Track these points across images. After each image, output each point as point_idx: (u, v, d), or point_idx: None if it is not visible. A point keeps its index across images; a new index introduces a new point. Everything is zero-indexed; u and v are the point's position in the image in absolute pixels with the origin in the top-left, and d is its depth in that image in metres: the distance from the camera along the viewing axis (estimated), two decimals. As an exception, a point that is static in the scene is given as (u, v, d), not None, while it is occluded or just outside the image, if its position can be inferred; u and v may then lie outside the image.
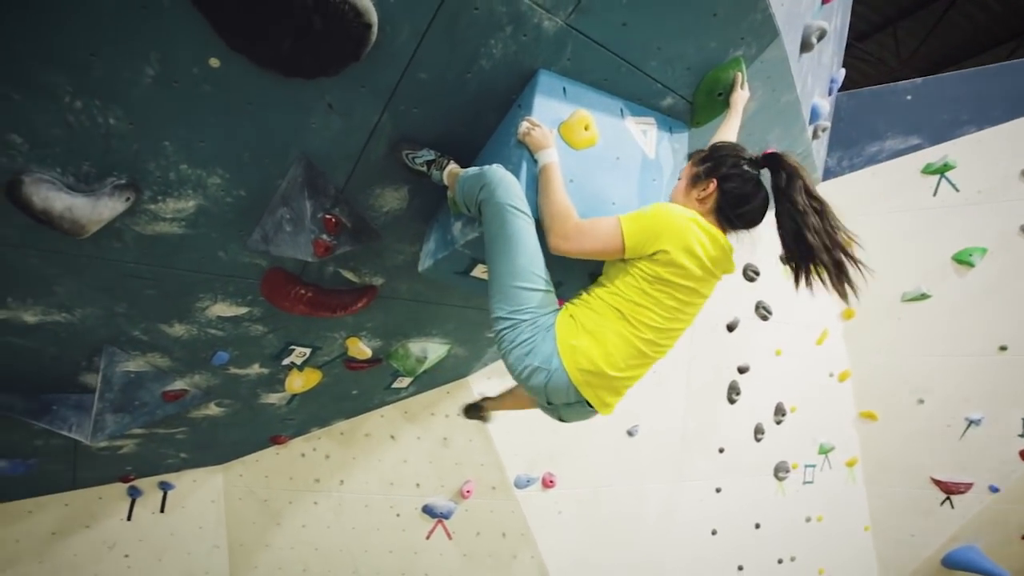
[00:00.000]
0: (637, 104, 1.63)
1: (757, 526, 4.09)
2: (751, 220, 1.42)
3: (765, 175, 1.43)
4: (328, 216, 1.58)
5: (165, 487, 3.03)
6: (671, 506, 3.79)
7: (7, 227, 1.40)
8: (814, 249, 1.33)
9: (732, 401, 3.97)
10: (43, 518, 2.80)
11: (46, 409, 1.97)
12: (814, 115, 2.70)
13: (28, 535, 2.77)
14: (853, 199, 4.23)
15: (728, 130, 1.66)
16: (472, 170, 1.39)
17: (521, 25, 1.33)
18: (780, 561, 4.19)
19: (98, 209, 1.35)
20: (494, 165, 1.34)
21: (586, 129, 1.46)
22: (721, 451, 3.95)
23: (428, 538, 3.26)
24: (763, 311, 4.07)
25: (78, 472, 2.67)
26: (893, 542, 4.43)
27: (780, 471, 4.17)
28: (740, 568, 4.02)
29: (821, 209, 1.34)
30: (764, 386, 4.11)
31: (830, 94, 3.20)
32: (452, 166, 1.50)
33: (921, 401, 4.25)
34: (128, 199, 1.40)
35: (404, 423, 3.17)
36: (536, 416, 3.22)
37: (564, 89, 1.48)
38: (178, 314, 1.89)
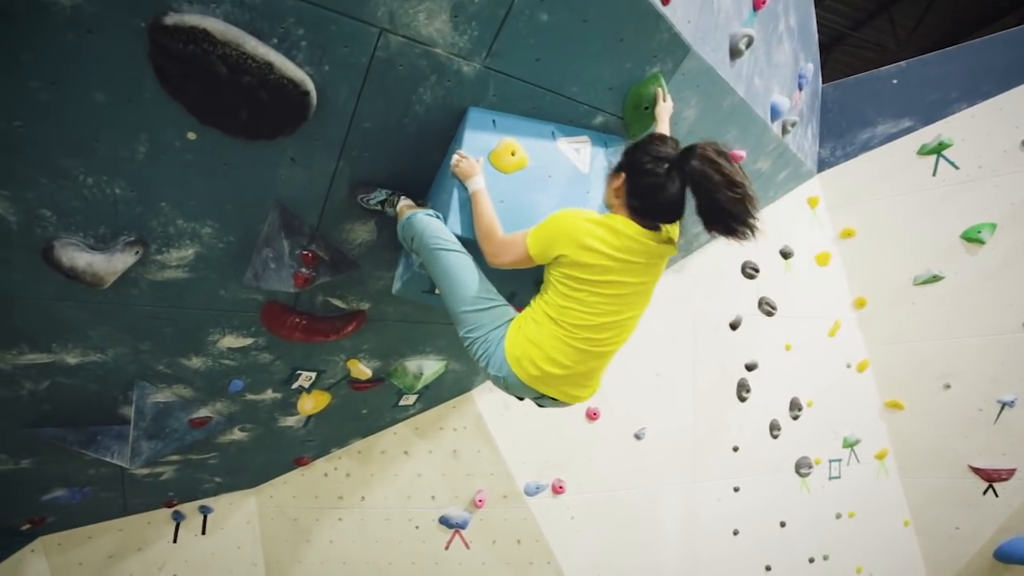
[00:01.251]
0: (569, 126, 1.82)
1: (782, 524, 4.04)
2: (663, 210, 1.45)
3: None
4: (305, 252, 1.83)
5: (205, 511, 3.32)
6: (688, 507, 3.81)
7: (46, 284, 1.71)
8: (728, 213, 1.32)
9: (742, 399, 3.98)
10: (101, 543, 3.12)
11: (92, 439, 2.28)
12: (775, 113, 2.81)
13: (89, 559, 3.09)
14: (853, 187, 4.24)
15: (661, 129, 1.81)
16: (404, 218, 1.60)
17: (443, 73, 1.55)
18: (811, 560, 4.10)
19: (113, 263, 1.64)
20: (418, 214, 1.55)
21: (513, 154, 1.65)
22: (735, 450, 3.95)
23: (447, 548, 3.42)
24: (767, 307, 4.09)
25: (128, 499, 2.99)
26: (937, 536, 4.26)
27: (802, 467, 4.12)
28: (768, 568, 3.97)
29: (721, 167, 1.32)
30: (776, 382, 4.10)
31: (800, 89, 3.29)
32: (402, 202, 1.71)
33: (948, 386, 4.13)
34: (137, 252, 1.68)
35: (416, 439, 3.37)
36: (542, 425, 3.36)
37: (494, 121, 1.69)
38: (194, 348, 2.17)
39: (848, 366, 4.32)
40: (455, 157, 1.59)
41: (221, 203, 1.67)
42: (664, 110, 1.81)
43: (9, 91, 1.27)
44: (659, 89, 1.80)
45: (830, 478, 4.22)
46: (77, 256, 1.59)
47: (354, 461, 3.38)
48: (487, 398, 3.35)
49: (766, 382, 4.07)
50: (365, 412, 3.09)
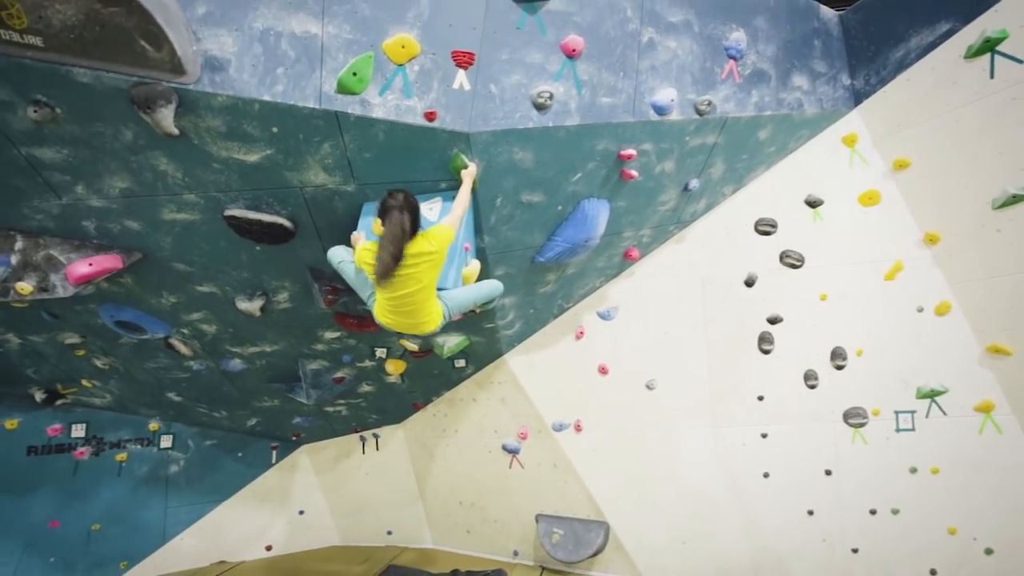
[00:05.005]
0: (425, 194, 3.02)
1: (828, 473, 4.06)
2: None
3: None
4: (328, 287, 3.52)
5: (376, 436, 5.48)
6: (709, 448, 4.25)
7: (239, 317, 3.81)
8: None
9: (765, 351, 4.18)
10: (331, 450, 5.56)
11: (291, 388, 4.49)
12: (661, 109, 3.27)
13: (326, 459, 5.56)
14: (898, 113, 3.93)
15: (464, 189, 2.85)
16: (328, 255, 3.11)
17: (340, 193, 3.00)
18: (873, 512, 3.99)
19: (255, 304, 3.61)
20: (330, 251, 3.03)
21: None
22: (760, 399, 4.18)
23: (510, 467, 4.79)
24: (791, 260, 4.15)
25: (333, 425, 5.31)
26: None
27: (852, 417, 4.03)
28: (810, 513, 4.08)
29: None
30: (809, 333, 4.12)
31: (736, 58, 3.48)
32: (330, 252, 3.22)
33: None
34: (263, 297, 3.62)
35: (478, 390, 4.84)
36: (560, 378, 4.43)
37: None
38: (314, 340, 4.13)
39: (920, 310, 3.96)
40: (354, 235, 3.01)
41: (283, 271, 3.48)
42: (467, 173, 2.86)
43: (208, 254, 3.26)
44: (463, 159, 2.86)
45: (898, 430, 3.98)
46: (240, 303, 3.61)
47: (447, 406, 5.06)
48: (517, 359, 4.59)
49: (796, 334, 4.15)
50: (436, 372, 4.71)
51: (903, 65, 3.78)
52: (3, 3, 2.12)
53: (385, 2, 2.58)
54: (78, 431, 4.89)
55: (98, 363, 4.29)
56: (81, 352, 4.15)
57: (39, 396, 4.63)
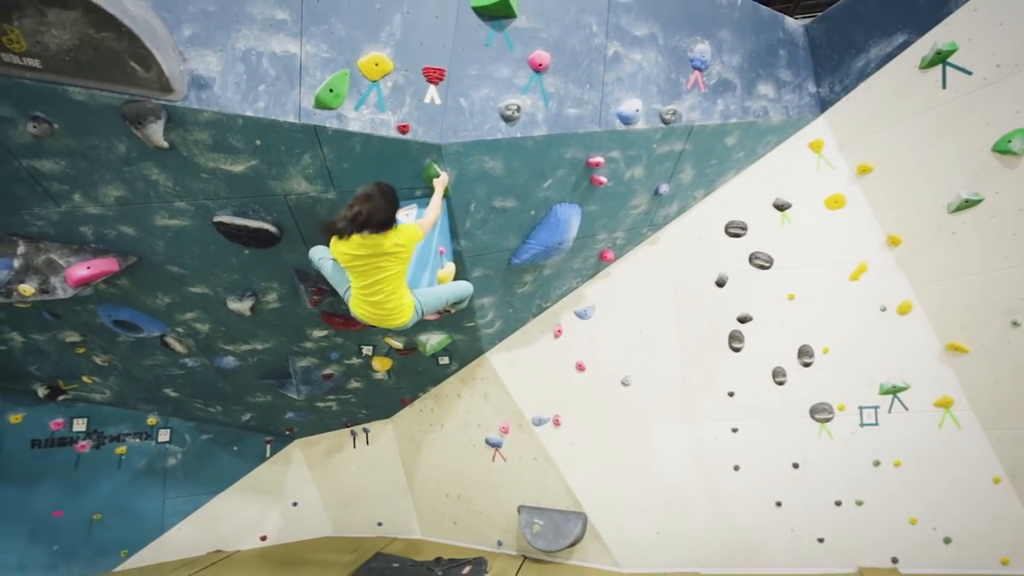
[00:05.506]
0: (402, 201, 3.21)
1: (795, 466, 4.24)
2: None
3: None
4: (313, 288, 3.70)
5: (366, 430, 5.68)
6: (681, 442, 4.43)
7: (230, 316, 4.00)
8: None
9: (735, 349, 4.35)
10: (322, 444, 5.76)
11: (282, 384, 4.68)
12: (626, 119, 3.44)
13: (317, 452, 5.76)
14: (860, 120, 4.08)
15: (436, 196, 3.03)
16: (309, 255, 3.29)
17: (320, 200, 3.18)
18: (838, 503, 4.16)
19: (245, 304, 3.80)
20: (311, 250, 3.21)
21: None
22: (731, 395, 4.35)
23: (493, 460, 4.98)
24: (760, 261, 4.32)
25: (323, 420, 5.51)
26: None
27: (819, 412, 4.20)
28: (779, 504, 4.25)
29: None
30: (777, 332, 4.29)
31: (700, 69, 3.65)
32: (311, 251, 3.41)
33: (1016, 323, 3.65)
34: (253, 298, 3.82)
35: (462, 386, 5.03)
36: (539, 374, 4.61)
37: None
38: (304, 337, 4.32)
39: (883, 309, 4.13)
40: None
41: (271, 273, 3.67)
42: (439, 181, 3.04)
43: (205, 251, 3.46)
44: (435, 167, 3.04)
45: (862, 425, 4.15)
46: (231, 303, 3.80)
47: (433, 401, 5.25)
48: (498, 357, 4.77)
49: (765, 333, 4.32)
50: (421, 369, 4.90)
51: (864, 74, 3.94)
52: (4, 29, 2.31)
53: (360, 22, 2.76)
54: (79, 425, 5.10)
55: (97, 360, 4.49)
56: (81, 350, 4.35)
57: (42, 392, 4.84)
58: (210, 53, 2.60)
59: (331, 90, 2.74)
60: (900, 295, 4.08)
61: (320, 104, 2.75)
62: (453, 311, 3.79)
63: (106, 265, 3.34)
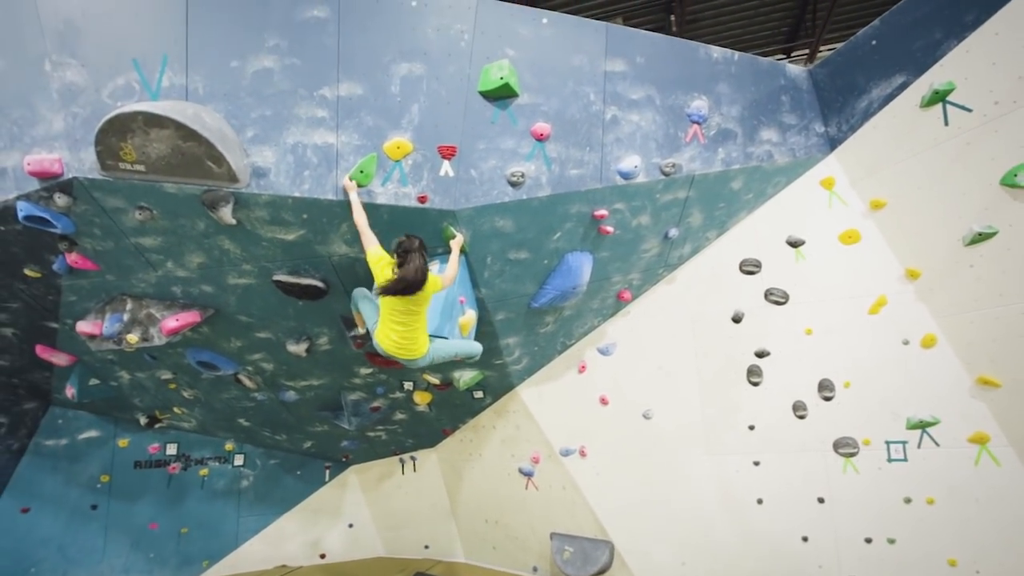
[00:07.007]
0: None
1: (821, 500, 4.22)
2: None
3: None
4: (355, 335, 4.25)
5: (413, 458, 6.15)
6: (703, 475, 4.53)
7: (290, 357, 4.63)
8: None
9: (754, 384, 4.44)
10: (375, 471, 6.29)
11: (336, 415, 5.26)
12: (626, 174, 3.76)
13: (372, 479, 6.29)
14: (870, 157, 4.17)
15: (454, 255, 3.49)
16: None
17: (358, 260, 3.72)
18: (869, 540, 4.09)
19: (300, 346, 4.41)
20: (354, 291, 3.73)
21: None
22: (752, 428, 4.42)
23: (526, 488, 5.27)
24: (775, 297, 4.43)
25: (375, 449, 6.04)
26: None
27: (842, 447, 4.19)
28: (805, 539, 4.23)
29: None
30: (796, 366, 4.35)
31: (699, 123, 3.92)
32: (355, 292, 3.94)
33: None
34: (307, 340, 4.42)
35: (496, 418, 5.39)
36: (565, 407, 4.91)
37: (389, 268, 3.74)
38: (353, 374, 4.88)
39: (906, 343, 4.11)
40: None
41: (321, 320, 4.26)
42: (455, 242, 3.49)
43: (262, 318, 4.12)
44: (450, 231, 3.50)
45: (890, 460, 4.09)
46: (290, 346, 4.42)
47: (472, 432, 5.65)
48: (527, 391, 5.11)
49: (783, 367, 4.39)
50: (459, 403, 5.33)
51: (868, 113, 4.04)
52: (121, 147, 3.04)
53: (384, 114, 3.31)
54: (171, 449, 5.93)
55: (185, 394, 5.28)
56: (172, 385, 5.15)
57: (143, 420, 5.71)
58: (267, 148, 3.22)
59: (362, 171, 3.29)
60: (923, 328, 4.04)
61: (353, 183, 3.31)
62: (461, 360, 4.05)
63: (191, 317, 4.05)
